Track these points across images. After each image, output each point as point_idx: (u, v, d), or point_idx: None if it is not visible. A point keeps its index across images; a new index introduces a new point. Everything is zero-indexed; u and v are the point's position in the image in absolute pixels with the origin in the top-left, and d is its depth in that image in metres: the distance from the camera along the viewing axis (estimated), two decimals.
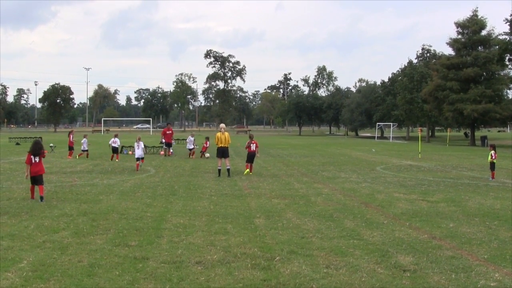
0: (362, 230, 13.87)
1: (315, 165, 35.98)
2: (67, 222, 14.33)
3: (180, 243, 12.12)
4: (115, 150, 39.18)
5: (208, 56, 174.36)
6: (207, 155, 39.97)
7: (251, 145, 30.03)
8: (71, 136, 41.79)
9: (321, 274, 9.82)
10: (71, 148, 41.06)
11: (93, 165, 33.70)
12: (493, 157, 28.41)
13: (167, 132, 44.19)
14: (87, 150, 40.50)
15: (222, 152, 27.67)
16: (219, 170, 27.61)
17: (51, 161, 35.54)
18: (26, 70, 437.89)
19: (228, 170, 27.72)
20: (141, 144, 32.55)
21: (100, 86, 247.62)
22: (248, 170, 29.49)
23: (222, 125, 29.16)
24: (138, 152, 32.01)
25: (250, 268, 10.14)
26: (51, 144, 50.21)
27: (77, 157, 39.67)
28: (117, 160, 37.60)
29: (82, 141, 40.93)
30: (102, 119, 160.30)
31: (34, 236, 12.72)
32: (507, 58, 71.49)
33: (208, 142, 42.53)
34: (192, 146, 42.86)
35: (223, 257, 10.91)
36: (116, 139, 39.39)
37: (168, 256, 10.90)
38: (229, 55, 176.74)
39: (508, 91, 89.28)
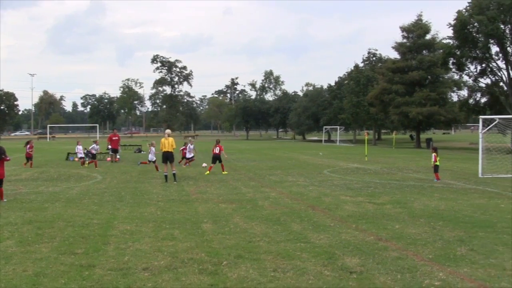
0: (309, 233, 13.95)
1: (262, 169, 36.06)
2: (11, 231, 14.11)
3: (127, 249, 12.04)
4: (94, 156, 39.56)
5: (155, 61, 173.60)
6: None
7: (216, 148, 33.05)
8: (28, 146, 40.94)
9: (268, 277, 9.87)
10: (28, 159, 40.15)
11: (38, 173, 33.29)
12: (434, 160, 29.14)
13: (114, 138, 43.81)
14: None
15: (167, 157, 27.58)
16: (165, 175, 27.51)
17: None
18: None
19: (174, 174, 27.62)
20: (153, 149, 35.11)
21: (45, 92, 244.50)
22: (208, 172, 32.24)
23: (168, 130, 29.08)
24: (151, 156, 34.95)
25: (197, 273, 10.13)
26: None
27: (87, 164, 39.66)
28: (96, 167, 36.94)
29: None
30: (48, 125, 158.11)
31: None
32: (450, 62, 72.39)
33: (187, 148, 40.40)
34: (191, 155, 39.95)
35: (170, 263, 10.87)
36: (96, 146, 40.01)
37: (115, 263, 10.83)
38: (176, 60, 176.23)
39: (452, 94, 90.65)
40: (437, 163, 29.24)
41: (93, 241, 12.88)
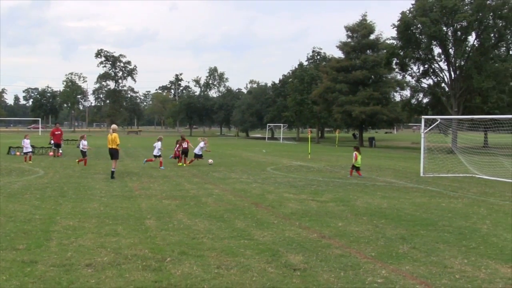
0: (253, 230, 14.02)
1: (205, 165, 35.96)
2: None
3: (69, 245, 11.92)
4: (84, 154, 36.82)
5: (99, 56, 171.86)
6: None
7: (184, 142, 36.77)
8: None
9: (212, 274, 9.88)
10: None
11: None
12: (355, 158, 30.36)
13: (56, 132, 43.33)
14: None
15: (110, 154, 27.44)
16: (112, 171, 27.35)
17: None
18: None
19: (112, 172, 27.36)
20: (159, 144, 35.09)
21: None
22: (181, 163, 36.04)
23: (113, 126, 28.80)
24: (155, 151, 34.95)
25: (141, 269, 10.09)
26: None
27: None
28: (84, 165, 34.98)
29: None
30: None
31: None
32: (394, 62, 73.34)
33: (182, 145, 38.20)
34: (200, 153, 37.57)
35: (114, 259, 10.81)
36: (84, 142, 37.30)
37: (58, 259, 10.71)
38: (120, 55, 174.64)
39: (395, 94, 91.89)
40: (357, 163, 30.57)
41: (35, 237, 12.72)
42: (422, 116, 33.97)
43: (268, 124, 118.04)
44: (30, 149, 39.23)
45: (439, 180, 29.17)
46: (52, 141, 43.39)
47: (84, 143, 36.95)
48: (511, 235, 14.17)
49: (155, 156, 34.94)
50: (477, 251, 12.31)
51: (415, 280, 9.83)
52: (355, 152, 30.58)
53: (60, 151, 43.29)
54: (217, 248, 11.88)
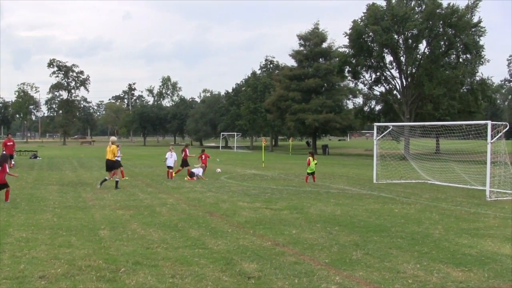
0: (207, 239, 14.08)
1: (159, 175, 35.99)
2: None
3: (22, 257, 11.84)
4: None
5: (52, 66, 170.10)
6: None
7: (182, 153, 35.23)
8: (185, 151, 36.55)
9: (167, 284, 9.93)
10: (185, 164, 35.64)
11: None
12: (308, 163, 31.92)
13: (8, 143, 42.53)
14: None
15: (107, 165, 27.85)
16: (104, 180, 27.91)
17: None
18: None
19: (116, 182, 27.58)
20: (174, 155, 34.64)
21: None
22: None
23: (112, 138, 29.11)
24: (169, 161, 34.31)
25: (95, 280, 10.08)
26: None
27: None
28: None
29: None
30: None
31: None
32: (346, 70, 74.21)
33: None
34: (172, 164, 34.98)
35: (67, 270, 10.76)
36: None
37: (10, 272, 10.63)
38: (73, 65, 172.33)
39: (348, 101, 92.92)
40: (309, 169, 31.84)
41: None
42: (375, 124, 34.45)
43: (222, 133, 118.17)
44: None
45: (392, 186, 29.71)
46: (4, 152, 42.89)
47: None
48: (462, 240, 14.49)
49: (169, 167, 34.34)
50: (429, 255, 12.56)
51: (369, 286, 10.03)
52: (309, 157, 31.44)
53: (13, 162, 42.78)
54: (171, 258, 11.91)
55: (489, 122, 25.32)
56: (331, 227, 16.14)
